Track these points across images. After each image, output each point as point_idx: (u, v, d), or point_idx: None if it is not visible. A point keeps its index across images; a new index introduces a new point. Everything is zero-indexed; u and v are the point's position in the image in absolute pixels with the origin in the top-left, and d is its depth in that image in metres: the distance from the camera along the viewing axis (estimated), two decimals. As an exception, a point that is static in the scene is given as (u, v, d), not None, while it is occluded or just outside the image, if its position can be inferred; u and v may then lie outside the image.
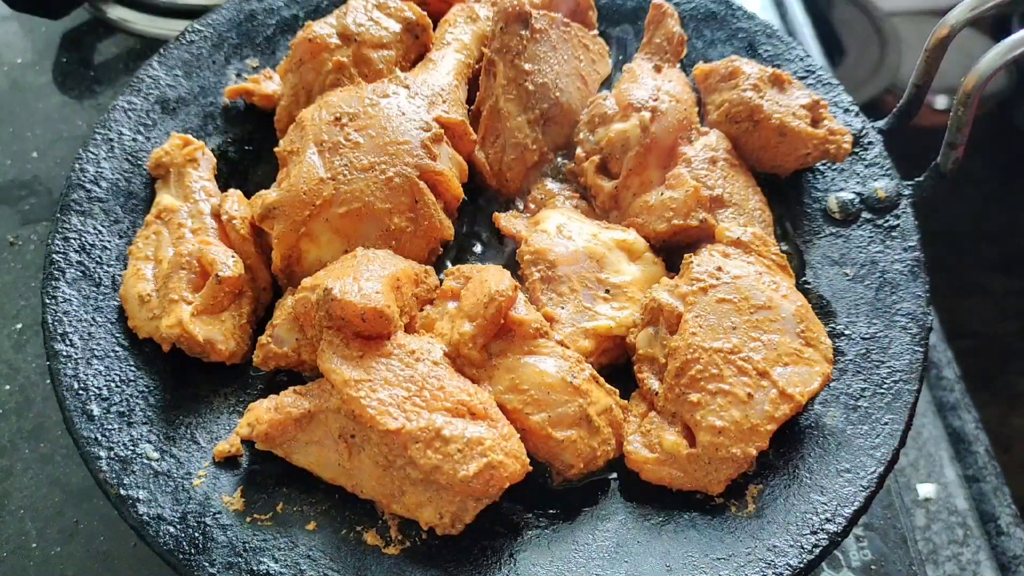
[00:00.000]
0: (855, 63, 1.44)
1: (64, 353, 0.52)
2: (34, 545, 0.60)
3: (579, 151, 0.63)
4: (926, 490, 0.73)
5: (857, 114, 0.66)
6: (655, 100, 0.61)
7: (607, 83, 0.69)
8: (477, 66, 0.66)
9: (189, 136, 0.62)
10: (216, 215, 0.57)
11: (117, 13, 0.87)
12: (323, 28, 0.62)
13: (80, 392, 0.51)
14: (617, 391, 0.53)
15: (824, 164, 0.64)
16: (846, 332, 0.56)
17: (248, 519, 0.49)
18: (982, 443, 0.77)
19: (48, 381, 0.65)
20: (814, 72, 0.69)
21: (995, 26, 1.48)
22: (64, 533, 0.60)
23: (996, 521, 0.72)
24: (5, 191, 0.78)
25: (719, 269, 0.53)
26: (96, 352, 0.53)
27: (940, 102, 1.47)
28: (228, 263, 0.54)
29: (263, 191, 0.57)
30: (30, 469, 0.63)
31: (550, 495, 0.51)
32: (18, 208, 0.74)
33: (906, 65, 1.42)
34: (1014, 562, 0.70)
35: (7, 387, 0.68)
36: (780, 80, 0.63)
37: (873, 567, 0.62)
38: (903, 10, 1.55)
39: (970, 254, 1.49)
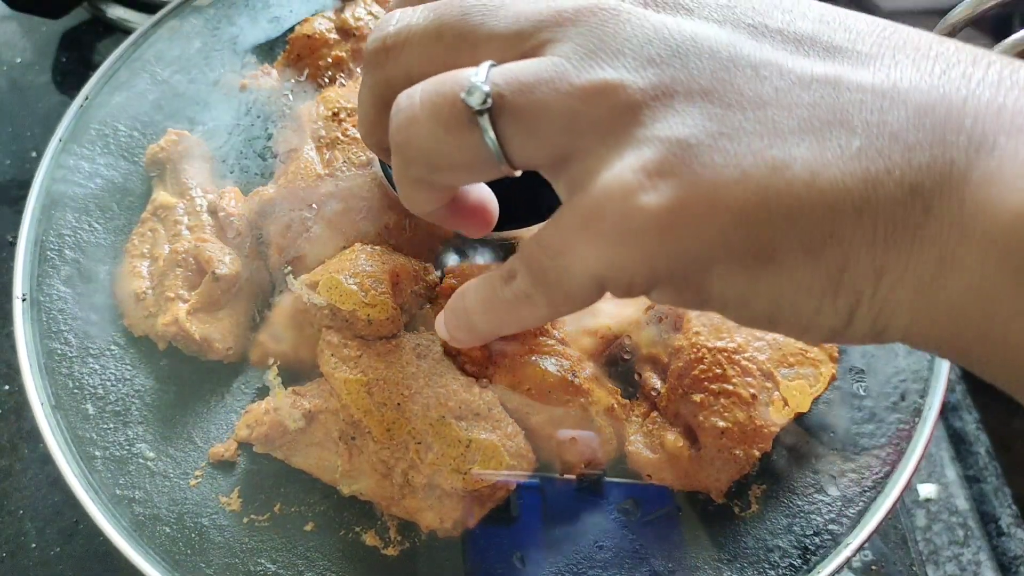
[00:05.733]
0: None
1: (59, 352, 0.52)
2: (33, 545, 0.60)
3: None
4: (927, 490, 0.73)
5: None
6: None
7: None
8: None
9: (186, 132, 0.61)
10: (213, 212, 0.57)
11: (117, 13, 0.86)
12: (321, 23, 0.62)
13: (75, 391, 0.51)
14: (619, 390, 0.53)
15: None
16: (850, 331, 0.56)
17: (245, 520, 0.48)
18: (983, 443, 0.77)
19: (46, 381, 0.64)
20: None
21: (996, 26, 1.48)
22: (64, 533, 0.60)
23: (997, 521, 0.72)
24: (5, 191, 0.78)
25: (721, 267, 0.52)
26: (91, 351, 0.53)
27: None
28: (225, 260, 0.53)
29: (260, 187, 0.56)
30: (29, 469, 0.63)
31: (551, 495, 0.51)
32: (17, 208, 0.74)
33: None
34: (1015, 562, 0.70)
35: (6, 387, 0.67)
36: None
37: (873, 567, 0.62)
38: (904, 10, 1.55)
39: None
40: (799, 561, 0.47)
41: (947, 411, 0.79)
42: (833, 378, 0.50)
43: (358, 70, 0.61)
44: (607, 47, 0.27)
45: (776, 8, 0.28)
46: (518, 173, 0.32)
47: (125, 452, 0.49)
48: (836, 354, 0.51)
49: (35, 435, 0.64)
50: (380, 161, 0.45)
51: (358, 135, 0.56)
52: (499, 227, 0.43)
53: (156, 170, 0.60)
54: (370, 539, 0.48)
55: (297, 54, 0.62)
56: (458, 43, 0.31)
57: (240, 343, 0.54)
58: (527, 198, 0.41)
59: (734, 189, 0.25)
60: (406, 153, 0.32)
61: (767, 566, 0.47)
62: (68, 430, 0.50)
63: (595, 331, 0.54)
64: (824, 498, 0.49)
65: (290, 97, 0.63)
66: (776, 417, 0.48)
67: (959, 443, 0.77)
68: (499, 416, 0.47)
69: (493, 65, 0.29)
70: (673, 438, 0.49)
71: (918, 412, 0.52)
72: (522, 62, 0.29)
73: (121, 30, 0.86)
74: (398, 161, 0.34)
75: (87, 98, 0.61)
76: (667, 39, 0.27)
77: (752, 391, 0.49)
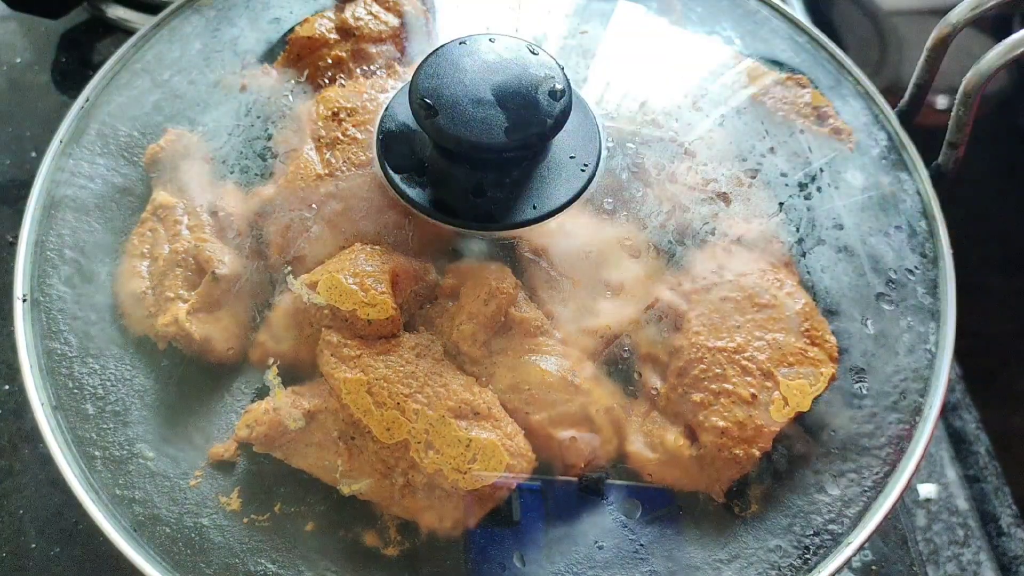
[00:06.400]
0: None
1: (58, 352, 0.52)
2: (33, 545, 0.60)
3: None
4: (926, 490, 0.73)
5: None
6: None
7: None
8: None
9: (185, 131, 0.61)
10: (213, 212, 0.56)
11: (117, 13, 0.86)
12: (321, 23, 0.62)
13: (75, 391, 0.51)
14: (619, 390, 0.53)
15: (826, 162, 0.64)
16: (850, 330, 0.55)
17: (245, 520, 0.48)
18: (983, 443, 0.77)
19: (46, 381, 0.64)
20: (816, 70, 0.68)
21: (997, 26, 1.48)
22: (64, 534, 0.60)
23: (997, 521, 0.72)
24: (4, 191, 0.78)
25: (722, 267, 0.52)
26: (91, 351, 0.53)
27: (940, 102, 1.47)
28: (224, 260, 0.53)
29: (260, 187, 0.56)
30: (29, 470, 0.63)
31: (551, 495, 0.51)
32: (17, 208, 0.74)
33: (907, 65, 1.41)
34: (1015, 562, 0.70)
35: (6, 387, 0.67)
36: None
37: (873, 567, 0.62)
38: (904, 9, 1.55)
39: (970, 254, 1.48)
40: (799, 561, 0.47)
41: (947, 411, 0.79)
42: (833, 378, 0.50)
43: (358, 70, 0.62)
44: None
45: None
46: None
47: (125, 452, 0.49)
48: (836, 354, 0.51)
49: (35, 435, 0.64)
50: (380, 161, 0.45)
51: (358, 135, 0.56)
52: (493, 223, 0.41)
53: (156, 170, 0.60)
54: (370, 539, 0.48)
55: (297, 54, 0.62)
56: None
57: (240, 343, 0.54)
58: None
59: None
60: None
61: (767, 566, 0.47)
62: (68, 430, 0.50)
63: (595, 331, 0.54)
64: (824, 498, 0.49)
65: (290, 97, 0.63)
66: (776, 417, 0.48)
67: (959, 443, 0.77)
68: (499, 416, 0.47)
69: None
70: (673, 438, 0.49)
71: (918, 412, 0.52)
72: None
73: (121, 30, 0.86)
74: None
75: (88, 99, 0.61)
76: None
77: (752, 391, 0.49)
